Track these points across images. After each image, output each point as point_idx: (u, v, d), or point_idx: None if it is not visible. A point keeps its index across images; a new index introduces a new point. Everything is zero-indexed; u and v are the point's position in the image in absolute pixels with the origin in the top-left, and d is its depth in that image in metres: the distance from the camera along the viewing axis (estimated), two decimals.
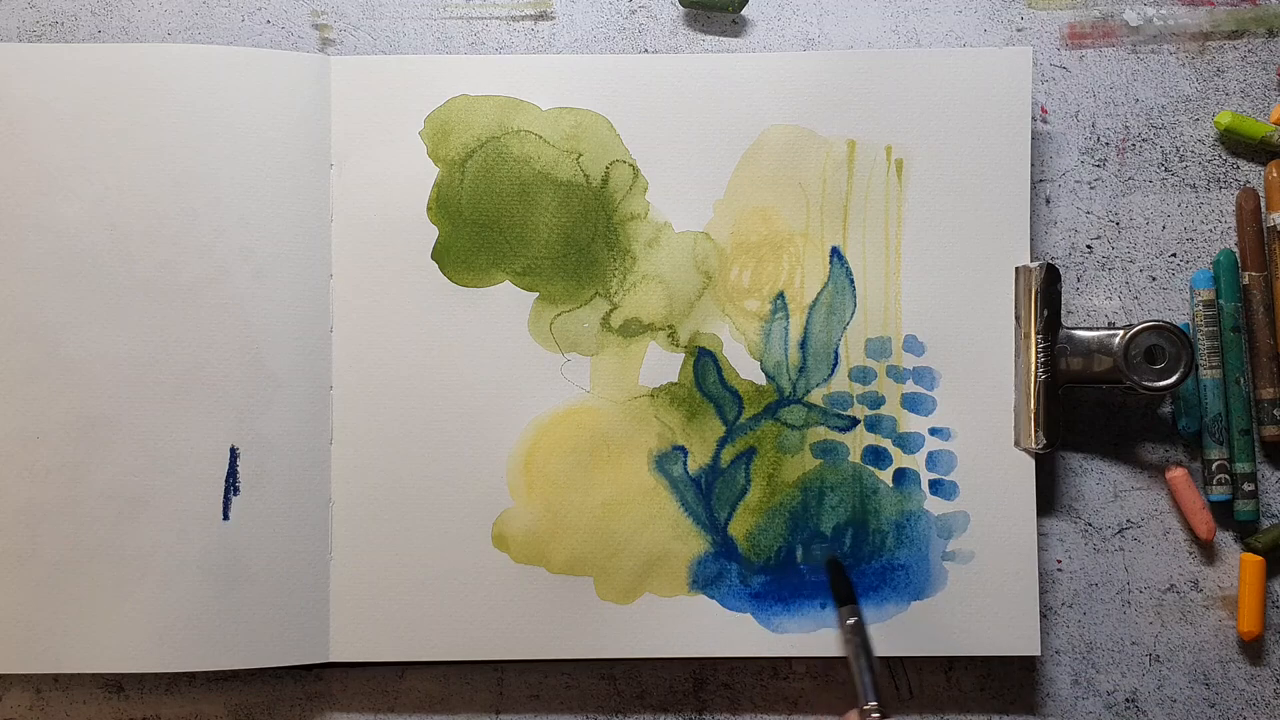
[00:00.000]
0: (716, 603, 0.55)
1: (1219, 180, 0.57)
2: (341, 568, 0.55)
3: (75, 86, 0.54)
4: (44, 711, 0.56)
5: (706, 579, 0.55)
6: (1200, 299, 0.56)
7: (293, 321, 0.54)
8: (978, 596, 0.54)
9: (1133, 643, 0.56)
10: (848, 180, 0.55)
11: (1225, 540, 0.56)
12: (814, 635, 0.54)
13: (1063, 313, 0.56)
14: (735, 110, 0.55)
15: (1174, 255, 0.57)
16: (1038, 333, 0.54)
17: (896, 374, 0.55)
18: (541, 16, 0.58)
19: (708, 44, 0.58)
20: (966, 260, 0.55)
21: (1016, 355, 0.55)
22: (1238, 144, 0.57)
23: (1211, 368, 0.55)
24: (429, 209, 0.55)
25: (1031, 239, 0.56)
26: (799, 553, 0.55)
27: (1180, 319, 0.57)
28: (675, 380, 0.55)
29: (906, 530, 0.55)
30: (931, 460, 0.55)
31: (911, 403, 0.55)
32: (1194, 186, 0.57)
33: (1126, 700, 0.56)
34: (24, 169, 0.54)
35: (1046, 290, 0.54)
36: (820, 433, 0.55)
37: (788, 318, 0.55)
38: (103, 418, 0.53)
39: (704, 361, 0.55)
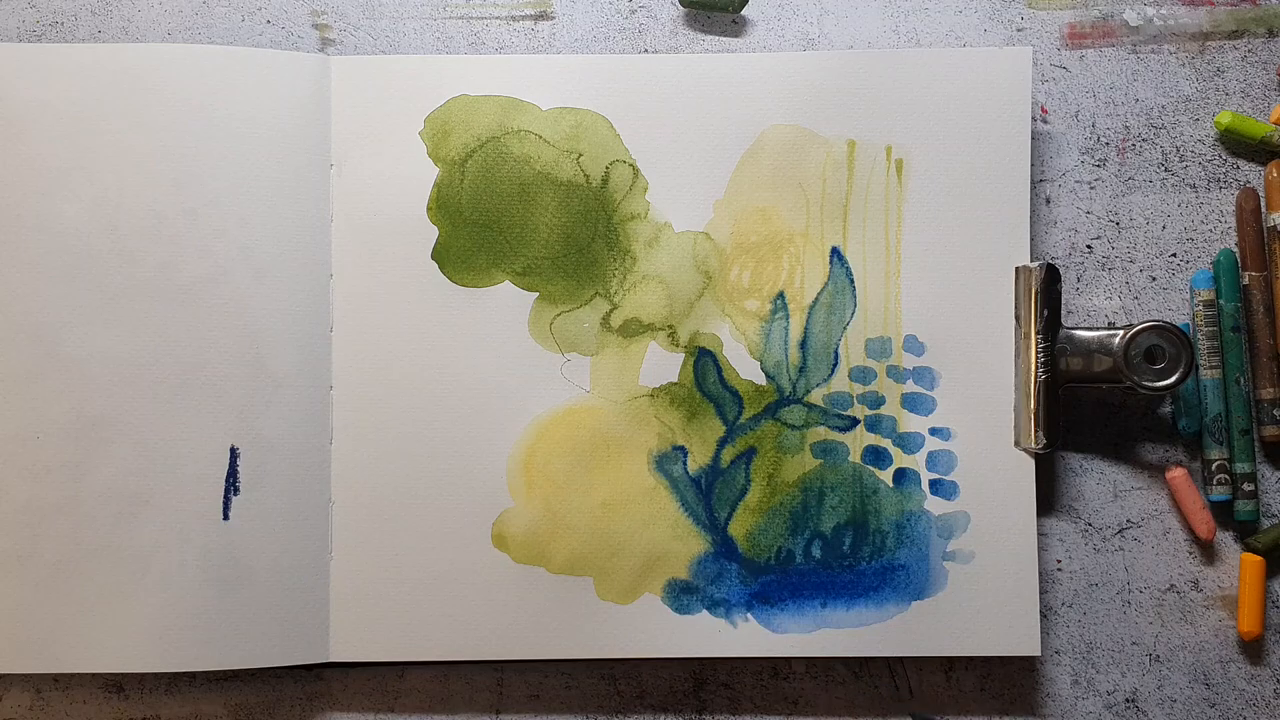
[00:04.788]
0: (717, 603, 0.55)
1: (1219, 180, 0.57)
2: (341, 568, 0.55)
3: (75, 86, 0.54)
4: (44, 711, 0.56)
5: (707, 579, 0.55)
6: (1200, 299, 0.56)
7: (293, 321, 0.54)
8: (978, 596, 0.54)
9: (1133, 643, 0.56)
10: (848, 180, 0.55)
11: (1225, 540, 0.56)
12: (814, 635, 0.54)
13: (1063, 313, 0.56)
14: (735, 110, 0.55)
15: (1174, 255, 0.57)
16: (1038, 333, 0.54)
17: (896, 374, 0.55)
18: (541, 16, 0.58)
19: (708, 44, 0.58)
20: (966, 260, 0.55)
21: (1016, 355, 0.55)
22: (1238, 144, 0.57)
23: (1211, 368, 0.55)
24: (429, 209, 0.55)
25: (1031, 239, 0.56)
26: (799, 553, 0.55)
27: (1180, 319, 0.57)
28: (675, 380, 0.55)
29: (907, 530, 0.55)
30: (932, 460, 0.55)
31: (911, 403, 0.55)
32: (1194, 186, 0.57)
33: (1126, 700, 0.56)
34: (24, 169, 0.54)
35: (1046, 290, 0.54)
36: (820, 433, 0.55)
37: (788, 318, 0.55)
38: (103, 418, 0.53)
39: (704, 361, 0.55)
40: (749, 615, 0.54)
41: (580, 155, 0.55)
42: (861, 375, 0.55)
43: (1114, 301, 0.57)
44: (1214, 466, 0.55)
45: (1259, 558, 0.55)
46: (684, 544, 0.55)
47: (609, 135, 0.55)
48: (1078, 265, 0.57)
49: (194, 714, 0.56)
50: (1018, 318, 0.55)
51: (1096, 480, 0.56)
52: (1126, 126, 0.57)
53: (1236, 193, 0.57)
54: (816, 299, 0.55)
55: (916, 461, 0.55)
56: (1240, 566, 0.56)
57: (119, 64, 0.54)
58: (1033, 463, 0.55)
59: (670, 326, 0.55)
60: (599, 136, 0.55)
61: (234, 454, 0.54)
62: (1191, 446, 0.56)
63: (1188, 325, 0.56)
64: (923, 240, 0.55)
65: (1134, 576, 0.56)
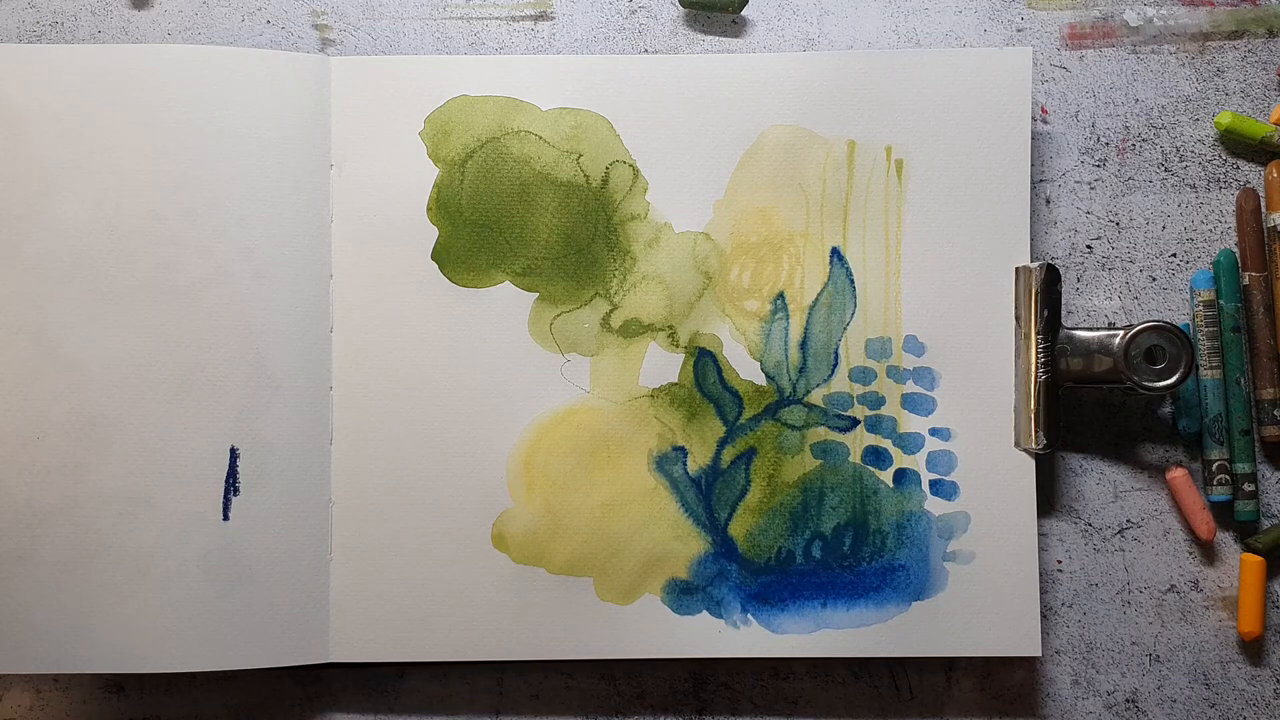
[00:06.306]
0: (717, 603, 0.55)
1: (1219, 180, 0.57)
2: (341, 568, 0.55)
3: (75, 86, 0.54)
4: (44, 711, 0.56)
5: (707, 579, 0.55)
6: (1200, 299, 0.56)
7: (293, 321, 0.54)
8: (978, 597, 0.54)
9: (1133, 643, 0.56)
10: (848, 180, 0.55)
11: (1225, 540, 0.56)
12: (814, 636, 0.54)
13: (1063, 313, 0.56)
14: (735, 110, 0.55)
15: (1174, 255, 0.57)
16: (1038, 333, 0.54)
17: (896, 374, 0.55)
18: (541, 16, 0.58)
19: (708, 44, 0.58)
20: (966, 260, 0.55)
21: (1016, 355, 0.55)
22: (1238, 144, 0.57)
23: (1212, 368, 0.55)
24: (429, 209, 0.55)
25: (1031, 239, 0.56)
26: (799, 553, 0.55)
27: (1180, 319, 0.57)
28: (675, 381, 0.55)
29: (907, 531, 0.55)
30: (932, 461, 0.55)
31: (911, 403, 0.55)
32: (1194, 186, 0.57)
33: (1126, 700, 0.56)
34: (24, 169, 0.54)
35: (1046, 290, 0.54)
36: (820, 433, 0.55)
37: (788, 318, 0.55)
38: (103, 418, 0.53)
39: (704, 362, 0.55)
40: (749, 616, 0.54)
41: (580, 156, 0.55)
42: (861, 375, 0.55)
43: (1114, 301, 0.57)
44: (1214, 467, 0.55)
45: (1259, 558, 0.55)
46: (684, 544, 0.55)
47: (609, 136, 0.55)
48: (1078, 265, 0.57)
49: (194, 714, 0.56)
50: (1018, 318, 0.55)
51: (1096, 480, 0.56)
52: (1126, 126, 0.57)
53: (1236, 193, 0.57)
54: (816, 299, 0.55)
55: (916, 462, 0.55)
56: (1240, 567, 0.56)
57: (119, 64, 0.54)
58: (1033, 463, 0.55)
59: (670, 327, 0.55)
60: (599, 137, 0.55)
61: (234, 454, 0.54)
62: (1192, 447, 0.56)
63: (1188, 325, 0.56)
64: (923, 240, 0.55)
65: (1134, 576, 0.56)
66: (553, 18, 0.58)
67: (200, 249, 0.54)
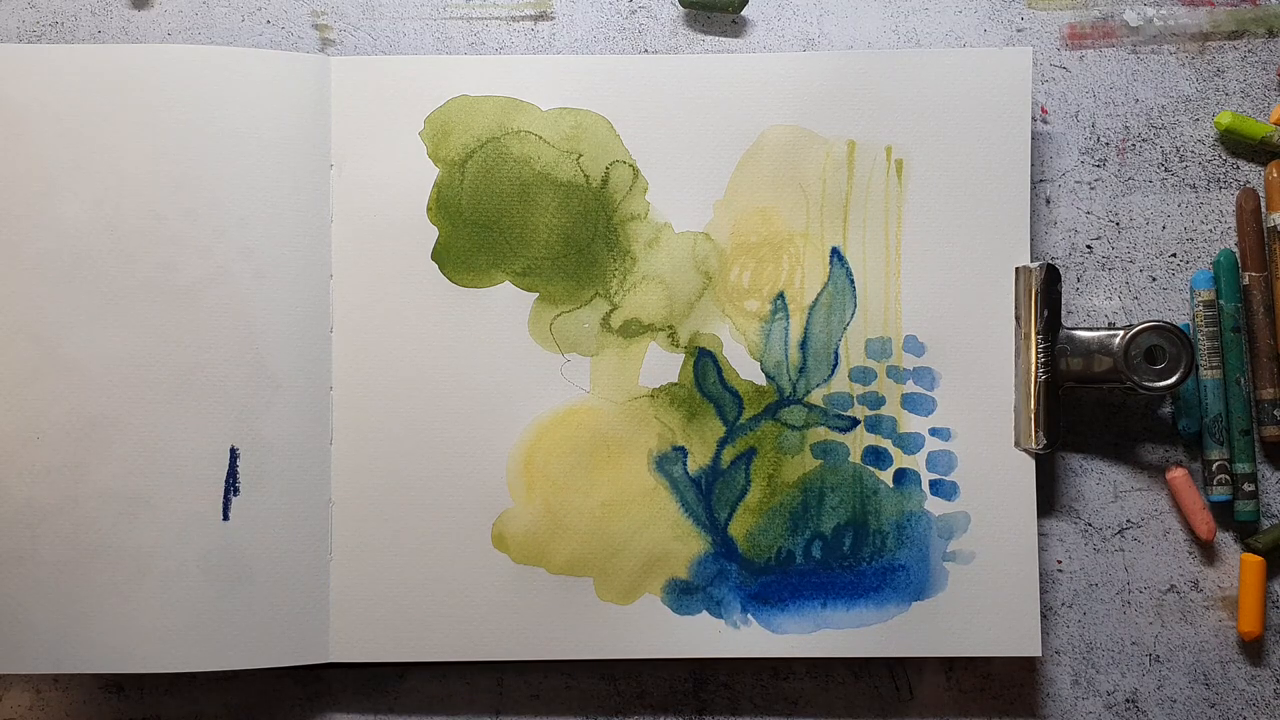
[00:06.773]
0: (717, 603, 0.55)
1: (1219, 180, 0.57)
2: (341, 568, 0.55)
3: (75, 86, 0.54)
4: (44, 711, 0.56)
5: (707, 579, 0.55)
6: (1200, 299, 0.56)
7: (293, 321, 0.54)
8: (978, 597, 0.54)
9: (1133, 643, 0.56)
10: (848, 180, 0.55)
11: (1225, 540, 0.56)
12: (813, 636, 0.54)
13: (1063, 313, 0.56)
14: (735, 110, 0.55)
15: (1174, 255, 0.57)
16: (1038, 333, 0.54)
17: (896, 374, 0.55)
18: (541, 17, 0.58)
19: (708, 44, 0.58)
20: (966, 260, 0.55)
21: (1016, 355, 0.55)
22: (1238, 144, 0.57)
23: (1212, 368, 0.55)
24: (429, 209, 0.55)
25: (1031, 239, 0.56)
26: (799, 553, 0.55)
27: (1180, 319, 0.57)
28: (675, 381, 0.55)
29: (907, 531, 0.55)
30: (932, 461, 0.55)
31: (911, 403, 0.55)
32: (1194, 186, 0.57)
33: (1126, 700, 0.56)
34: (24, 169, 0.54)
35: (1046, 290, 0.54)
36: (820, 433, 0.55)
37: (788, 318, 0.55)
38: (103, 418, 0.53)
39: (704, 362, 0.55)
40: (749, 616, 0.55)
41: (580, 155, 0.55)
42: (861, 375, 0.55)
43: (1114, 301, 0.57)
44: (1214, 467, 0.55)
45: (1259, 558, 0.55)
46: (684, 544, 0.55)
47: (609, 136, 0.55)
48: (1078, 265, 0.57)
49: (194, 714, 0.56)
50: (1018, 318, 0.55)
51: (1096, 480, 0.56)
52: (1126, 126, 0.57)
53: (1236, 193, 0.57)
54: (816, 299, 0.55)
55: (916, 462, 0.55)
56: (1240, 567, 0.56)
57: (119, 64, 0.54)
58: (1033, 463, 0.55)
59: (670, 327, 0.55)
60: (599, 137, 0.55)
61: (234, 454, 0.54)
62: (1192, 447, 0.56)
63: (1188, 325, 0.56)
64: (923, 240, 0.55)
65: (1134, 576, 0.56)
66: (553, 18, 0.58)
67: (200, 249, 0.54)
